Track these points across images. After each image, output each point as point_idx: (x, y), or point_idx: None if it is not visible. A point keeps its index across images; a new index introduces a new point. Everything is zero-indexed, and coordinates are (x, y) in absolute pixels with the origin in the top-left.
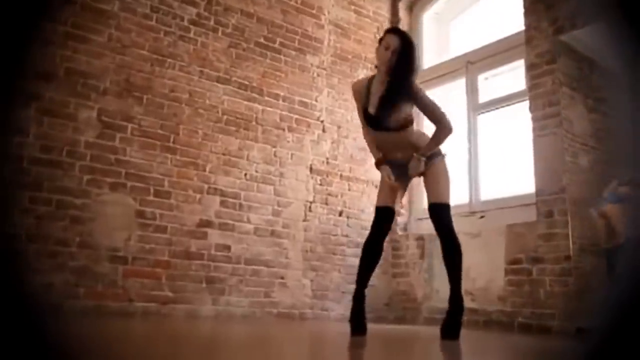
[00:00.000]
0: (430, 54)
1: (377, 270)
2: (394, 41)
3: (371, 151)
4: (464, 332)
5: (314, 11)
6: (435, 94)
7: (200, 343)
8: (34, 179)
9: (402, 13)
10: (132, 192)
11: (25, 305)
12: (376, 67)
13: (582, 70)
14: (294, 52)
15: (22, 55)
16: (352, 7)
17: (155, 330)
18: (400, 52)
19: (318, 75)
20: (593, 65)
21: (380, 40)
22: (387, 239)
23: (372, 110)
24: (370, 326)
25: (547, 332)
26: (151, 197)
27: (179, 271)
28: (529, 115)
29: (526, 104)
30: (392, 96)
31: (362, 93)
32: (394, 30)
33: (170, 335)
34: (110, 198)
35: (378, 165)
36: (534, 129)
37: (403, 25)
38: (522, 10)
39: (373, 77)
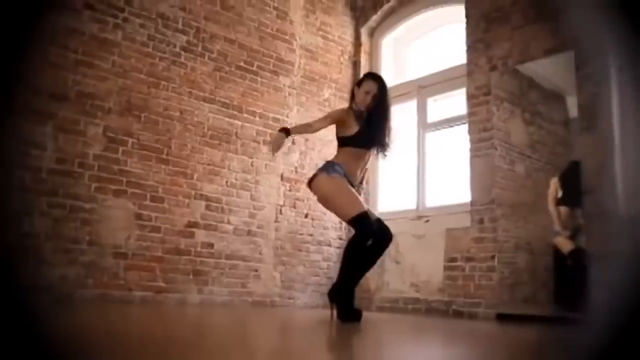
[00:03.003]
0: (388, 75)
1: (338, 265)
2: (373, 87)
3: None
4: (410, 317)
5: (287, 37)
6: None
7: (190, 324)
8: (51, 187)
9: (364, 38)
10: (132, 198)
11: (44, 294)
12: (352, 99)
13: (521, 87)
14: (269, 74)
15: (39, 81)
16: (320, 32)
17: (153, 314)
18: (378, 98)
19: (289, 94)
20: (531, 83)
21: (360, 82)
22: (345, 237)
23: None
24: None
25: (474, 317)
26: (148, 202)
27: (170, 265)
28: (467, 137)
29: (466, 126)
30: (385, 116)
31: (350, 118)
32: (373, 76)
33: (166, 318)
34: (113, 203)
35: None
36: (471, 150)
37: (364, 49)
38: (465, 47)
39: (350, 108)
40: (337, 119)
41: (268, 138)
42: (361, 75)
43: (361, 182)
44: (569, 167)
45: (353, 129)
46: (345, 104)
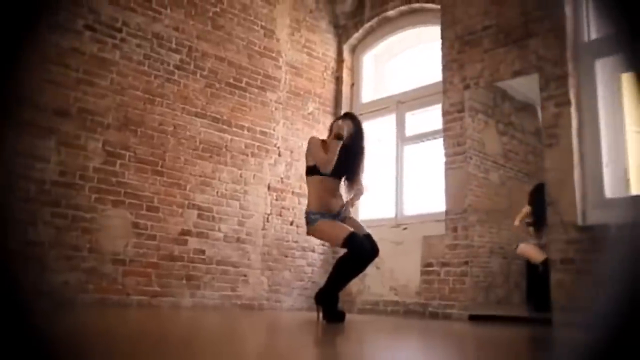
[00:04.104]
0: (368, 90)
1: (321, 270)
2: (350, 126)
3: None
4: (389, 319)
5: (273, 54)
6: (370, 126)
7: (184, 325)
8: (54, 198)
9: (346, 55)
10: (129, 208)
11: (47, 298)
12: (330, 133)
13: (495, 99)
14: (256, 90)
15: (43, 98)
16: (305, 50)
17: (149, 317)
18: (354, 136)
19: (276, 109)
20: (504, 95)
21: (339, 120)
22: (328, 244)
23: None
24: (314, 315)
25: (449, 318)
26: (144, 212)
27: (165, 271)
28: (443, 151)
29: (442, 140)
30: (358, 155)
31: (320, 148)
32: (351, 116)
33: (161, 321)
34: (112, 213)
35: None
36: (446, 163)
37: (346, 65)
38: (441, 66)
39: (324, 140)
40: (315, 150)
41: (256, 150)
42: (343, 89)
43: (352, 204)
44: (536, 189)
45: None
46: (328, 117)
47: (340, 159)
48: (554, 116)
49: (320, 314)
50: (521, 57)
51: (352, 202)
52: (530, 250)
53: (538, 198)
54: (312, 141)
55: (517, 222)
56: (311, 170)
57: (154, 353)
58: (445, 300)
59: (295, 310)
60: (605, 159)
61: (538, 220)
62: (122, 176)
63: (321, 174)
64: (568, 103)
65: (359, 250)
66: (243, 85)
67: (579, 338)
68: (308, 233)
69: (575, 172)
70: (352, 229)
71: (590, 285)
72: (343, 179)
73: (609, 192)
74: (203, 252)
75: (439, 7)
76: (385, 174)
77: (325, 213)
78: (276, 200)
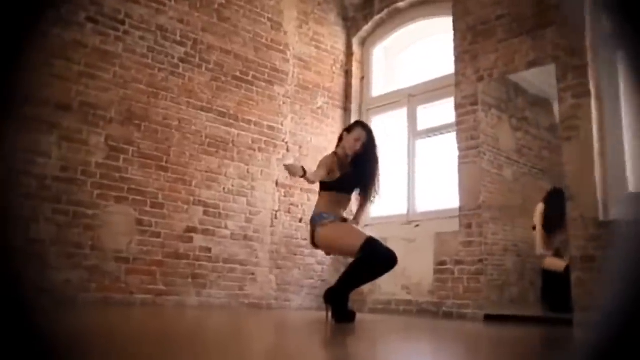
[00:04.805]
0: (379, 84)
1: (331, 268)
2: (363, 135)
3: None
4: (401, 318)
5: (281, 47)
6: (381, 120)
7: (191, 325)
8: (55, 194)
9: (356, 47)
10: (133, 204)
11: (48, 297)
12: (339, 143)
13: (509, 94)
14: (264, 84)
15: (45, 92)
16: (313, 43)
17: (154, 316)
18: (367, 145)
19: (284, 103)
20: (517, 90)
21: (350, 129)
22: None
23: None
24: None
25: (463, 318)
26: (148, 208)
27: (170, 269)
28: (456, 145)
29: (455, 135)
30: (373, 164)
31: (336, 165)
32: (362, 125)
33: (166, 320)
34: (115, 209)
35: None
36: (459, 157)
37: (356, 58)
38: (453, 57)
39: (335, 153)
40: (331, 166)
41: (263, 145)
42: (353, 83)
43: (357, 221)
44: (551, 194)
45: (336, 174)
46: (337, 112)
47: (354, 172)
48: (572, 108)
49: (330, 314)
50: (536, 47)
51: (358, 218)
52: (552, 262)
53: (554, 201)
54: (322, 161)
55: (538, 230)
56: (326, 186)
57: (158, 353)
58: (459, 300)
59: (304, 310)
60: (628, 151)
61: (548, 224)
62: (125, 172)
63: (337, 191)
64: (587, 94)
65: (377, 256)
66: (250, 78)
67: (593, 338)
68: (314, 239)
69: (596, 166)
70: (369, 235)
71: (610, 284)
72: (357, 191)
73: (632, 186)
74: (209, 249)
75: None
76: (397, 170)
77: (336, 217)
78: (284, 196)
